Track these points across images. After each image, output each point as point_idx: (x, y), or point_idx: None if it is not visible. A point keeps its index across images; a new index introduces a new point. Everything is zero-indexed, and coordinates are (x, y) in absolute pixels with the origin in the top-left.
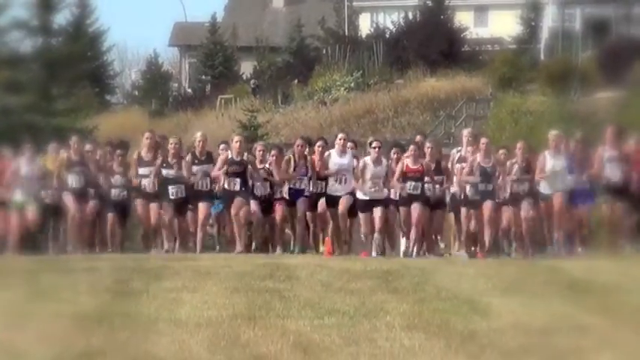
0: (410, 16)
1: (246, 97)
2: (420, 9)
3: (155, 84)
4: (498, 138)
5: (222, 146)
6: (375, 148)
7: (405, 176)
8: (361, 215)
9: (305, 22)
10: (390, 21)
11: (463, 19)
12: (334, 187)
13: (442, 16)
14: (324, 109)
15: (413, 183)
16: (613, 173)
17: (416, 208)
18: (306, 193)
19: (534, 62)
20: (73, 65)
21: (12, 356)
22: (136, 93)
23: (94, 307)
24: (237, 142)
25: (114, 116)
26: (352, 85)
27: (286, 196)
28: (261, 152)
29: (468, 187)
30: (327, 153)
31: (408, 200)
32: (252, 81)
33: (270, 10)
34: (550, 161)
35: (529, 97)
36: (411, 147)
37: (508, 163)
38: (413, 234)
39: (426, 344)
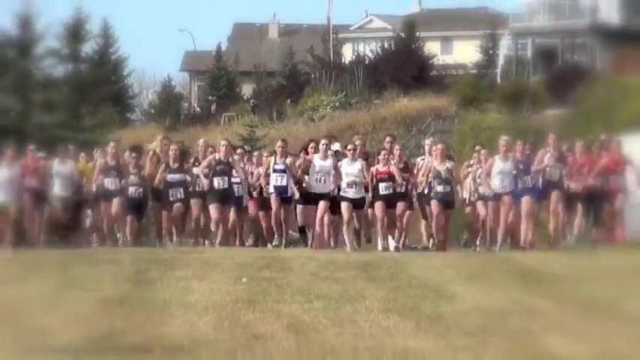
0: (386, 45)
1: (246, 114)
2: (395, 39)
3: (169, 103)
4: (461, 150)
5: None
6: (349, 150)
7: (376, 179)
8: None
9: (297, 50)
10: (369, 50)
11: (431, 47)
12: (315, 187)
13: (413, 46)
14: (312, 124)
15: (384, 184)
16: (553, 173)
17: (399, 207)
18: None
19: (492, 84)
20: (99, 88)
21: (48, 335)
22: (153, 111)
23: (116, 293)
24: (224, 145)
25: (133, 131)
26: (337, 104)
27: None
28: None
29: (426, 188)
30: (310, 156)
31: (383, 199)
32: (251, 101)
33: (267, 40)
34: (499, 164)
35: (488, 114)
36: (382, 152)
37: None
38: (399, 229)
39: (400, 325)
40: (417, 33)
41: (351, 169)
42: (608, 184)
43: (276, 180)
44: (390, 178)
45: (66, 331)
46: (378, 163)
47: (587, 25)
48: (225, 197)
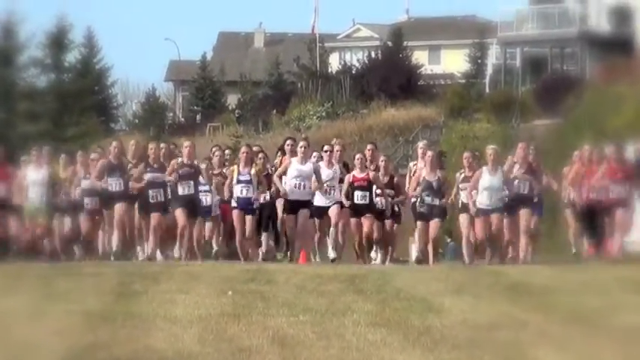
0: (373, 54)
1: (231, 125)
2: (382, 49)
3: (153, 114)
4: (449, 160)
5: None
6: (326, 152)
7: (352, 186)
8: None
9: (282, 60)
10: (356, 59)
11: (419, 57)
12: (293, 193)
13: (401, 55)
14: (299, 135)
15: (360, 192)
16: (522, 186)
17: (365, 220)
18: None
19: (480, 94)
20: (82, 98)
21: (31, 348)
22: (137, 121)
23: (100, 307)
24: (186, 146)
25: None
26: (323, 114)
27: (235, 203)
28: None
29: (417, 200)
30: (287, 160)
31: (357, 210)
32: (236, 111)
33: (253, 49)
34: (486, 178)
35: (476, 124)
36: (357, 156)
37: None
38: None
39: (387, 338)
40: (405, 42)
41: (325, 173)
42: (608, 194)
43: (241, 191)
44: (369, 186)
45: (48, 345)
46: (354, 169)
47: (577, 33)
48: (191, 204)
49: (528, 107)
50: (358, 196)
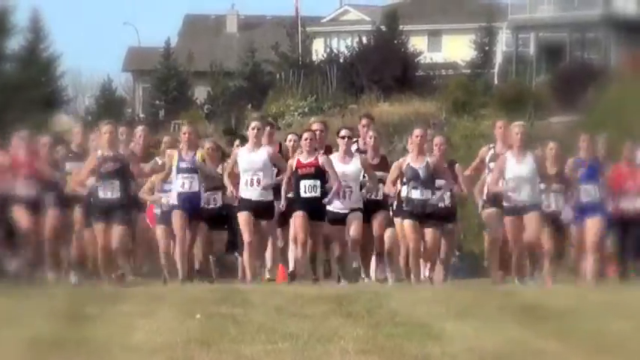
0: (364, 40)
1: (200, 122)
2: (374, 34)
3: (109, 109)
4: None
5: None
6: (306, 139)
7: (296, 175)
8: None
9: (259, 47)
10: (344, 46)
11: (417, 43)
12: (245, 192)
13: (396, 41)
14: (278, 134)
15: (308, 183)
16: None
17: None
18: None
19: (488, 87)
20: (27, 90)
21: None
22: (90, 118)
23: (49, 332)
24: (106, 132)
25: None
26: (306, 110)
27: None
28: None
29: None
30: (237, 149)
31: (304, 209)
32: (205, 106)
33: (224, 35)
34: (512, 165)
35: (483, 121)
36: (305, 135)
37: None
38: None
39: None
40: (400, 26)
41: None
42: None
43: (182, 184)
44: (317, 174)
45: None
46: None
47: (600, 16)
48: (113, 212)
49: (543, 102)
50: (306, 187)
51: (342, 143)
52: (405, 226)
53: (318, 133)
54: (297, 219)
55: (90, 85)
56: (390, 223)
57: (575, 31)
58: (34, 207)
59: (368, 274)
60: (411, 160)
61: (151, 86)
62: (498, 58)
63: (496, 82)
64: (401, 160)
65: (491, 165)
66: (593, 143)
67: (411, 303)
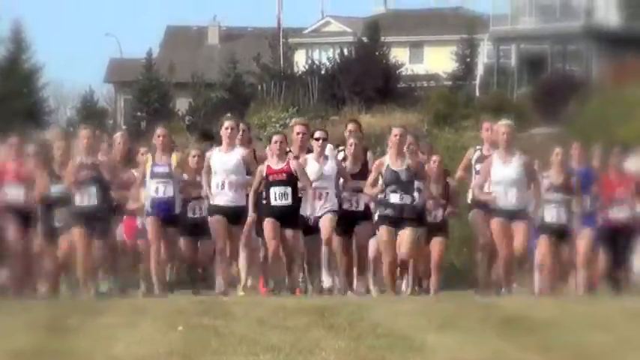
0: (345, 52)
1: (181, 133)
2: (356, 45)
3: (90, 120)
4: None
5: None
6: (276, 142)
7: (266, 182)
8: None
9: (240, 58)
10: (326, 57)
11: (398, 55)
12: (216, 197)
13: (377, 53)
14: (260, 144)
15: (278, 189)
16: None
17: (288, 234)
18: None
19: (469, 98)
20: (8, 102)
21: None
22: (71, 129)
23: (29, 344)
24: (84, 137)
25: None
26: (288, 121)
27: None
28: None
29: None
30: (209, 152)
31: (274, 216)
32: (187, 117)
33: (206, 46)
34: (498, 168)
35: (465, 133)
36: (274, 138)
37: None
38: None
39: None
40: (382, 37)
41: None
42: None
43: (157, 189)
44: (289, 180)
45: None
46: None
47: (582, 28)
48: (90, 219)
49: (525, 113)
50: (275, 195)
51: (316, 145)
52: (380, 232)
53: (300, 135)
54: (268, 225)
55: (71, 97)
56: (373, 234)
57: (557, 42)
58: (24, 217)
59: (351, 289)
60: (390, 162)
61: (132, 97)
62: (480, 70)
63: (477, 93)
64: (379, 161)
65: (478, 167)
66: (585, 152)
67: (393, 315)
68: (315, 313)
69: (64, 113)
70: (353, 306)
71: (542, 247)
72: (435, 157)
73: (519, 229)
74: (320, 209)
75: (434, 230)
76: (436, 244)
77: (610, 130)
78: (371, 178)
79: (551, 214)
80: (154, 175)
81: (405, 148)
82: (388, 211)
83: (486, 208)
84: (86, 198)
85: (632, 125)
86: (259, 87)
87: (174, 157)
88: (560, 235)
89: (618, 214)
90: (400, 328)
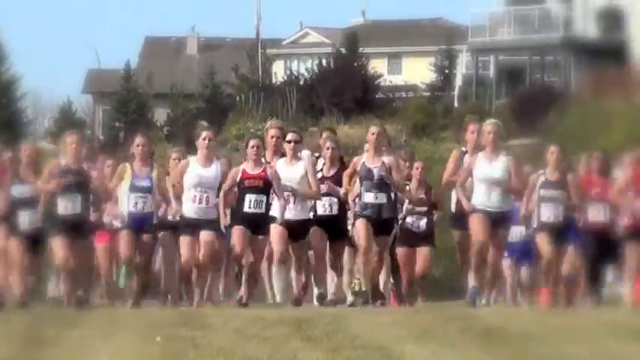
0: (324, 62)
1: (160, 143)
2: (334, 56)
3: (69, 131)
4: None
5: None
6: (252, 147)
7: (240, 187)
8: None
9: (219, 68)
10: (305, 68)
11: (377, 65)
12: (191, 210)
13: (356, 64)
14: (238, 155)
15: (253, 197)
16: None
17: (259, 241)
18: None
19: (448, 109)
20: None
21: None
22: (49, 140)
23: (4, 355)
24: (72, 143)
25: None
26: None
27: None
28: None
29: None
30: (184, 161)
31: (246, 224)
32: (165, 128)
33: (185, 56)
34: (483, 166)
35: (443, 144)
36: (251, 143)
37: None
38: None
39: None
40: (360, 48)
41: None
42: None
43: (135, 204)
44: (265, 188)
45: None
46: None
47: (560, 39)
48: (73, 228)
49: (503, 124)
50: (249, 202)
51: (288, 148)
52: (357, 226)
53: (275, 139)
54: (237, 232)
55: (50, 107)
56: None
57: (536, 54)
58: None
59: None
60: (367, 160)
61: (110, 108)
62: (458, 81)
63: (456, 104)
64: (356, 158)
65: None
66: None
67: (371, 326)
68: (292, 324)
69: (43, 124)
70: (331, 317)
71: (542, 246)
72: (417, 164)
73: (495, 239)
74: (291, 213)
75: (419, 240)
76: (422, 254)
77: (589, 141)
78: (347, 171)
79: (547, 214)
80: (133, 189)
81: (382, 148)
82: (368, 212)
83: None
84: (70, 205)
85: (610, 136)
86: (238, 97)
87: (156, 172)
88: (559, 234)
89: (597, 216)
90: (378, 339)
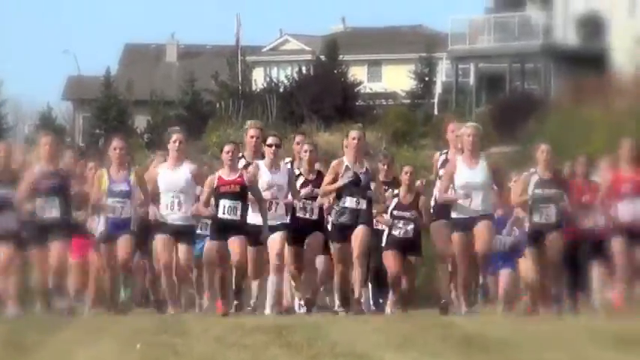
0: (304, 70)
1: (139, 150)
2: (314, 63)
3: None
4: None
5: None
6: (227, 152)
7: (217, 194)
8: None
9: (199, 76)
10: (284, 75)
11: (357, 73)
12: (168, 216)
13: (336, 71)
14: (216, 163)
15: (228, 203)
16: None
17: (235, 242)
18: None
19: (428, 117)
20: None
21: None
22: (30, 146)
23: None
24: (45, 144)
25: None
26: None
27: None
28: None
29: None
30: (154, 166)
31: (220, 233)
32: (145, 135)
33: (164, 64)
34: (463, 170)
35: (423, 151)
36: (226, 148)
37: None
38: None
39: None
40: (340, 56)
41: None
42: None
43: (113, 209)
44: (241, 194)
45: None
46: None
47: (540, 47)
48: (52, 233)
49: (483, 132)
50: (224, 208)
51: (268, 152)
52: (335, 249)
53: (254, 139)
54: (234, 242)
55: (30, 114)
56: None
57: (515, 61)
58: None
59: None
60: (349, 164)
61: (91, 115)
62: (438, 88)
63: (436, 112)
64: (337, 160)
65: (442, 172)
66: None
67: (351, 334)
68: (272, 331)
69: (23, 130)
70: (311, 324)
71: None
72: (407, 168)
73: (482, 230)
74: (271, 219)
75: (406, 247)
76: (410, 263)
77: (569, 148)
78: (328, 178)
79: (539, 215)
80: (111, 194)
81: (363, 153)
82: (345, 218)
83: (448, 217)
84: (48, 210)
85: (590, 143)
86: (217, 105)
87: (134, 175)
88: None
89: (587, 221)
90: (359, 346)
